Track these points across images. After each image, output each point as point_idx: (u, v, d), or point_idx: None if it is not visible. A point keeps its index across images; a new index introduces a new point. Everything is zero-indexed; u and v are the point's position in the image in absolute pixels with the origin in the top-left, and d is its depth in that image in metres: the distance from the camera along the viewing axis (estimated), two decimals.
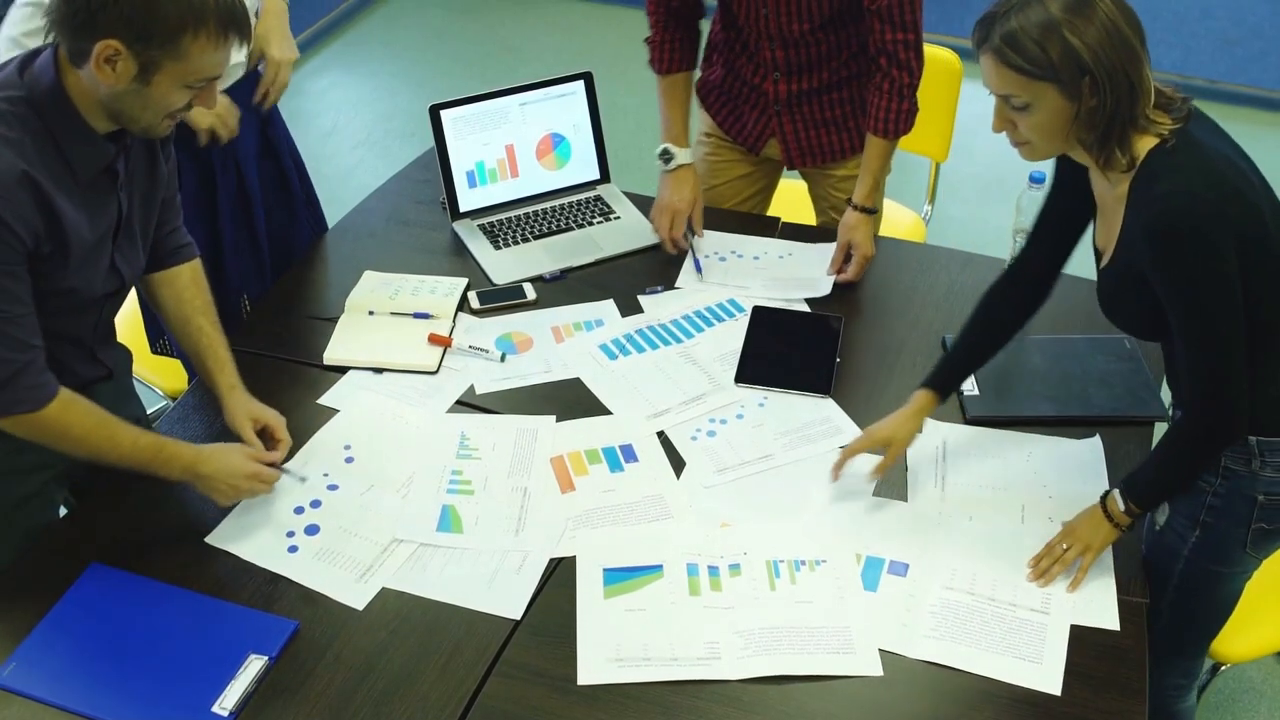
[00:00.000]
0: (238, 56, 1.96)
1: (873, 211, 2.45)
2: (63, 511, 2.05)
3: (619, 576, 1.85)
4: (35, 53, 1.70)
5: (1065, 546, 1.82)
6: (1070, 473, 2.00)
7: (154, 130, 1.73)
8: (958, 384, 2.03)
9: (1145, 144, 1.64)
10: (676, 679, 1.70)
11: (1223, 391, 1.68)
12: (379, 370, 2.23)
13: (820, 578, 1.83)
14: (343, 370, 2.24)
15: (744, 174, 2.73)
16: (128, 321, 2.65)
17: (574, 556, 1.88)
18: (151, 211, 1.90)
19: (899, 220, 3.13)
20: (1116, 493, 1.81)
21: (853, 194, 2.45)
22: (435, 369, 2.23)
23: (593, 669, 1.72)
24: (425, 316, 2.34)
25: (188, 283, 2.06)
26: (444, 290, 2.41)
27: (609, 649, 1.74)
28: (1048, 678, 1.69)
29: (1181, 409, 1.81)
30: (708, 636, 1.76)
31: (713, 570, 1.85)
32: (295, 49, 2.46)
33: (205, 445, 1.89)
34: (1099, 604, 1.79)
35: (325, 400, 2.17)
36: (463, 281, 2.42)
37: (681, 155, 2.53)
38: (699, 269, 2.47)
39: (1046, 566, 1.82)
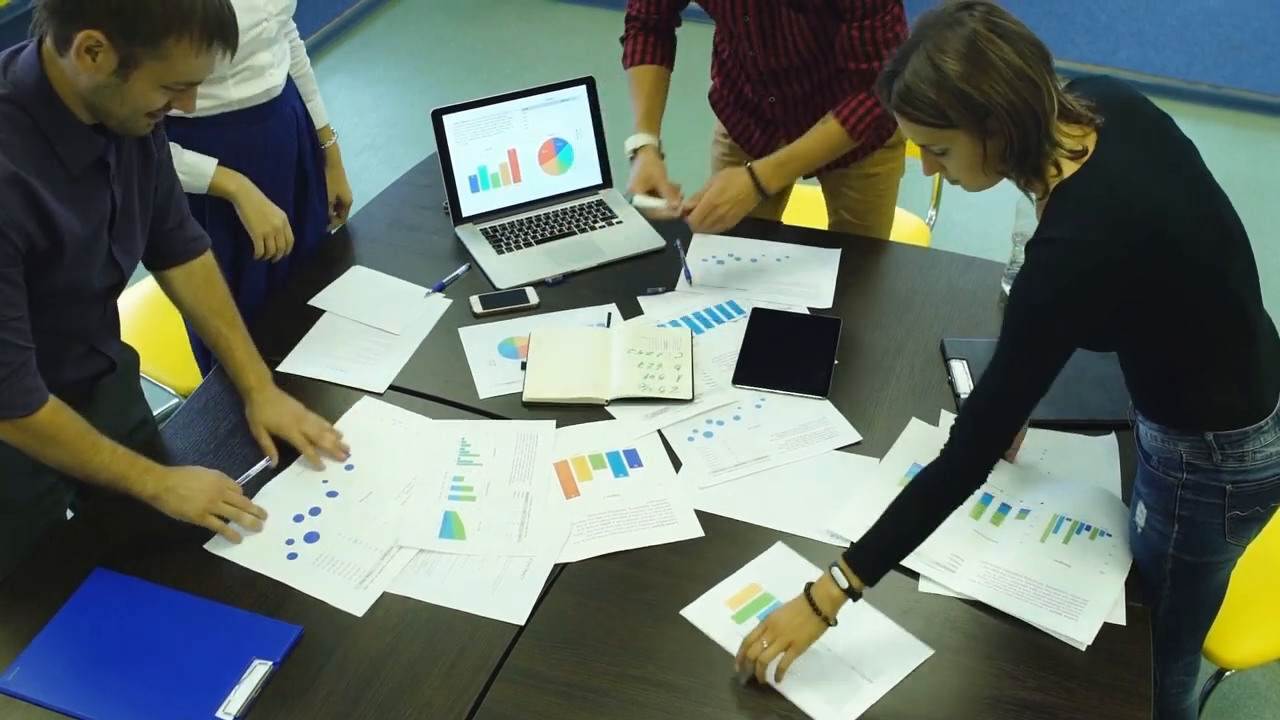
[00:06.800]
0: (220, 68, 1.97)
1: (764, 193, 2.39)
2: (69, 516, 2.05)
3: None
4: (17, 50, 1.70)
5: (766, 644, 1.67)
6: (1082, 470, 2.01)
7: (131, 126, 1.72)
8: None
9: (1053, 172, 1.64)
10: (910, 568, 1.81)
11: (987, 433, 1.66)
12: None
13: (1096, 548, 1.86)
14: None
15: None
16: (137, 320, 2.65)
17: (579, 561, 1.88)
18: (149, 201, 1.90)
19: (904, 225, 3.12)
20: (836, 569, 1.68)
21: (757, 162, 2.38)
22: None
23: (845, 520, 1.89)
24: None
25: (201, 281, 2.06)
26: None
27: (872, 512, 1.74)
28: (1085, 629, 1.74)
29: (1141, 410, 1.83)
30: (957, 551, 1.84)
31: (1004, 508, 1.93)
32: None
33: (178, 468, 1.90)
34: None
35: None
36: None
37: (639, 139, 2.45)
38: (689, 277, 2.46)
39: (749, 665, 1.68)
